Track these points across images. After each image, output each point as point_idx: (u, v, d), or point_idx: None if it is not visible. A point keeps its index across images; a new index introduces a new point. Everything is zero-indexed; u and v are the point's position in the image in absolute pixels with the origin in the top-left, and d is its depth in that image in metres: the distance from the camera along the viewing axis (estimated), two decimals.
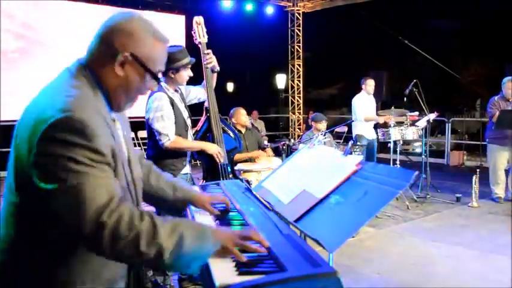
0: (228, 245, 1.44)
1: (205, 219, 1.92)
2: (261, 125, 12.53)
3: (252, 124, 6.54)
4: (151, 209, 2.15)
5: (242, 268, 1.39)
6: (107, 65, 1.49)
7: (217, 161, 3.78)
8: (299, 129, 14.85)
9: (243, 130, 6.16)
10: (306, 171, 2.24)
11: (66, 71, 1.51)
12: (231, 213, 2.01)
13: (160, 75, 1.62)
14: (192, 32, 3.91)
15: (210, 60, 3.84)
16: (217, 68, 3.90)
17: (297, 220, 1.86)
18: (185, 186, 2.01)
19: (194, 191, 1.99)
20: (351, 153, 2.15)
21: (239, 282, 1.29)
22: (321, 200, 1.90)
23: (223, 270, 1.38)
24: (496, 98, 7.10)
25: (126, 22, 1.51)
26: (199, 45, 3.87)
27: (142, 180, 1.76)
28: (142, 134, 9.65)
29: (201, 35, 3.86)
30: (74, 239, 1.37)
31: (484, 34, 19.00)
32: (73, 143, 1.29)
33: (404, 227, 6.01)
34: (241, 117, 6.15)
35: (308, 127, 7.79)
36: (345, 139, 11.54)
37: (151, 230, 1.34)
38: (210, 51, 3.86)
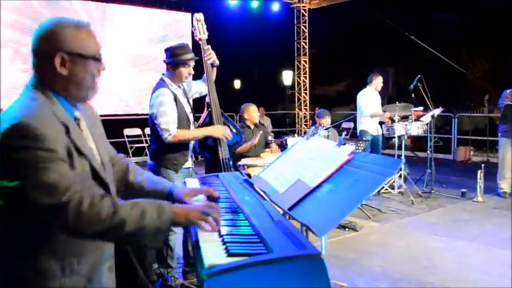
0: (191, 217, 1.61)
1: None
2: (267, 121, 12.59)
3: (259, 121, 6.57)
4: None
5: (231, 250, 1.45)
6: (50, 71, 1.61)
7: (220, 153, 3.83)
8: (305, 125, 14.88)
9: (253, 126, 6.19)
10: (301, 162, 2.29)
11: (25, 87, 1.65)
12: (225, 201, 2.07)
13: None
14: (193, 29, 3.97)
15: (210, 56, 3.89)
16: (217, 63, 3.96)
17: (291, 208, 1.91)
18: (164, 180, 2.10)
19: (175, 185, 2.06)
20: (344, 144, 2.20)
21: (227, 262, 1.35)
22: (314, 189, 1.94)
23: (213, 252, 1.46)
24: (508, 91, 7.08)
25: (45, 29, 1.62)
26: (200, 42, 3.92)
27: (121, 180, 1.96)
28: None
29: (201, 32, 3.91)
30: (46, 226, 1.52)
31: (491, 29, 18.88)
32: (24, 146, 1.45)
33: (409, 221, 6.04)
34: (252, 113, 6.18)
35: (314, 123, 7.84)
36: (352, 135, 11.56)
37: (112, 207, 1.50)
38: (209, 46, 3.91)
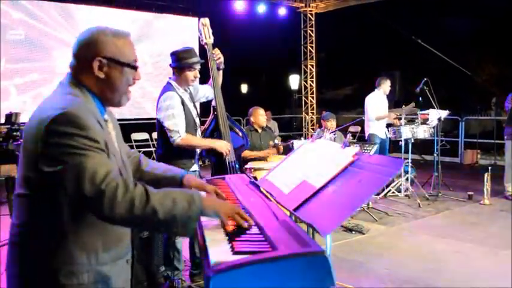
0: (220, 211, 1.73)
1: None
2: (274, 125, 12.60)
3: (266, 124, 6.60)
4: None
5: (236, 248, 1.48)
6: (89, 74, 1.73)
7: (225, 156, 3.86)
8: (312, 129, 14.88)
9: (260, 130, 6.21)
10: (306, 164, 2.32)
11: (60, 84, 1.77)
12: (231, 202, 2.11)
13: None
14: (199, 34, 4.02)
15: (219, 56, 3.95)
16: (222, 66, 4.02)
17: (296, 208, 1.94)
18: (175, 168, 2.21)
19: (185, 172, 2.17)
20: (348, 146, 2.23)
21: (233, 260, 1.39)
22: (320, 190, 1.98)
23: (219, 250, 1.50)
24: None
25: (87, 35, 1.74)
26: (206, 46, 3.97)
27: (135, 170, 2.08)
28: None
29: (207, 36, 3.96)
30: (79, 210, 1.61)
31: (499, 32, 18.83)
32: (71, 133, 1.54)
33: (415, 224, 6.04)
34: (259, 117, 6.19)
35: (321, 127, 7.87)
36: (359, 138, 11.57)
37: (144, 194, 1.57)
38: (217, 49, 3.96)
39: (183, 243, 3.93)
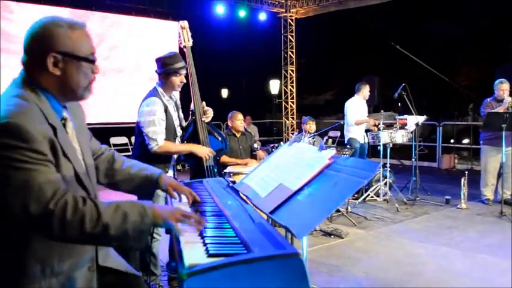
0: (170, 219, 1.64)
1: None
2: (254, 130, 12.62)
3: (245, 129, 6.61)
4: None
5: (211, 251, 1.47)
6: (43, 71, 1.61)
7: (205, 161, 3.85)
8: (292, 134, 14.93)
9: (238, 134, 6.22)
10: (283, 167, 2.32)
11: (13, 82, 1.64)
12: (207, 205, 2.10)
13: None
14: (178, 37, 4.00)
15: (208, 115, 4.00)
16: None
17: (273, 211, 1.94)
18: (151, 167, 2.13)
19: (161, 172, 2.10)
20: (325, 149, 2.23)
21: (207, 262, 1.38)
22: (296, 192, 1.98)
23: (193, 253, 1.48)
24: (489, 99, 7.22)
25: (38, 28, 1.62)
26: (185, 49, 3.96)
27: (108, 168, 2.00)
28: None
29: (186, 39, 3.95)
30: (26, 230, 1.53)
31: (476, 39, 19.18)
32: (12, 145, 1.43)
33: (393, 228, 6.08)
34: (237, 121, 6.21)
35: (301, 132, 7.92)
36: (339, 143, 11.64)
37: (95, 211, 1.50)
38: (210, 109, 4.00)
39: (161, 248, 3.90)
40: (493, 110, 6.89)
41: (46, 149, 1.51)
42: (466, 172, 7.20)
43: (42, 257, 1.58)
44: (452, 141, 12.10)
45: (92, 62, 1.68)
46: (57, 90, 1.64)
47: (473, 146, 11.35)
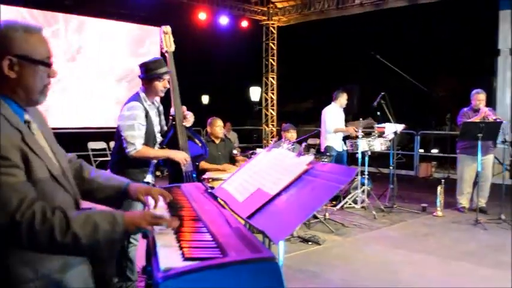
0: (142, 224, 1.60)
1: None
2: (234, 136, 12.63)
3: (225, 135, 6.62)
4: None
5: (187, 254, 1.48)
6: None
7: (182, 167, 3.84)
8: (272, 141, 14.99)
9: (217, 141, 6.23)
10: (261, 172, 2.33)
11: None
12: (184, 209, 2.10)
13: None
14: (160, 41, 4.00)
15: (189, 119, 3.99)
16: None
17: (250, 216, 1.95)
18: (118, 177, 2.11)
19: (129, 181, 2.08)
20: (303, 155, 2.25)
21: (182, 266, 1.38)
22: (273, 197, 1.99)
23: (169, 256, 1.48)
24: (465, 109, 7.36)
25: None
26: (166, 54, 3.95)
27: (76, 177, 1.92)
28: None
29: (168, 44, 3.94)
30: None
31: (453, 50, 19.51)
32: None
33: (370, 235, 6.14)
34: (216, 128, 6.21)
35: (281, 139, 7.95)
36: (317, 151, 11.69)
37: (64, 221, 1.48)
38: (191, 114, 3.98)
39: (138, 253, 3.87)
40: (469, 120, 7.01)
41: (13, 156, 1.49)
42: (443, 180, 7.31)
43: (29, 260, 1.56)
44: (436, 151, 12.26)
45: (48, 65, 1.68)
46: (13, 94, 1.63)
47: (450, 155, 11.52)
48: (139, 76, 3.78)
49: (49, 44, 1.69)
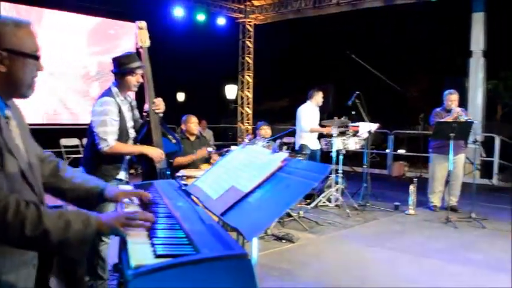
0: (115, 225, 1.61)
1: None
2: (209, 134, 12.58)
3: (201, 133, 6.58)
4: None
5: (159, 251, 1.46)
6: None
7: (156, 163, 3.80)
8: (249, 140, 14.98)
9: (192, 138, 6.20)
10: (235, 169, 2.32)
11: None
12: (157, 206, 2.08)
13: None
14: (135, 37, 3.95)
15: (159, 107, 3.87)
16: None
17: (224, 213, 1.93)
18: (96, 178, 2.11)
19: (107, 184, 2.08)
20: (277, 152, 2.25)
21: (154, 263, 1.36)
22: (247, 195, 1.98)
23: (140, 253, 1.45)
24: (438, 109, 7.48)
25: None
26: (141, 50, 3.90)
27: (51, 176, 1.96)
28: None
29: (143, 40, 3.89)
30: None
31: (427, 51, 19.82)
32: None
33: (344, 233, 6.18)
34: (191, 125, 6.18)
35: (256, 137, 7.96)
36: (292, 149, 11.72)
37: (36, 216, 1.48)
38: (159, 99, 3.89)
39: (111, 251, 3.82)
40: (442, 120, 7.11)
41: None
42: (415, 179, 7.41)
43: None
44: (403, 151, 12.40)
45: (37, 58, 1.70)
46: (2, 87, 1.64)
47: (423, 154, 11.69)
48: (111, 71, 3.73)
49: (36, 38, 1.71)
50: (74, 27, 12.00)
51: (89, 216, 1.58)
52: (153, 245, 1.54)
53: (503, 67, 17.30)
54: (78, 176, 2.03)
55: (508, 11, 15.49)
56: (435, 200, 7.54)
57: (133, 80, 3.68)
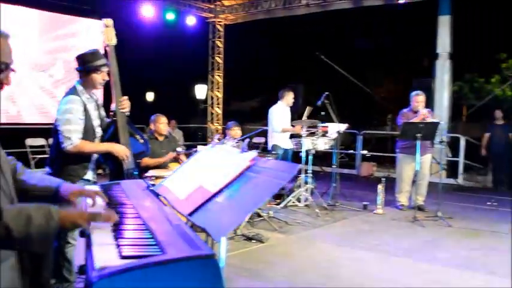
0: (78, 221, 1.60)
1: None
2: (179, 134, 12.50)
3: (170, 133, 6.53)
4: None
5: (124, 252, 1.43)
6: None
7: (123, 162, 3.74)
8: (218, 139, 14.92)
9: (161, 138, 6.15)
10: (204, 169, 2.30)
11: None
12: (123, 207, 2.04)
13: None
14: (102, 35, 3.88)
15: (124, 106, 3.81)
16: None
17: (191, 213, 1.92)
18: (52, 178, 2.09)
19: (63, 182, 2.05)
20: (246, 151, 2.24)
21: (119, 265, 1.33)
22: (215, 194, 1.96)
23: (105, 254, 1.42)
24: (405, 110, 7.60)
25: None
26: (107, 48, 3.84)
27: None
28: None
29: (109, 38, 3.83)
30: None
31: (395, 53, 20.13)
32: None
33: (314, 233, 6.22)
34: (160, 125, 6.13)
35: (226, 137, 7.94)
36: (263, 149, 11.75)
37: None
38: (125, 98, 3.82)
39: (78, 253, 3.75)
40: (409, 120, 7.23)
41: None
42: (383, 179, 7.50)
43: None
44: (365, 152, 12.52)
45: (5, 65, 1.71)
46: None
47: (391, 155, 11.87)
48: (76, 68, 3.65)
49: (11, 51, 1.74)
50: (38, 23, 11.74)
51: (51, 210, 1.56)
52: (118, 246, 1.51)
53: (468, 69, 17.70)
54: (34, 177, 2.01)
55: (473, 14, 15.90)
56: (403, 199, 7.65)
57: (99, 77, 3.61)
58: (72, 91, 3.58)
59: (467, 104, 18.35)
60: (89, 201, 2.01)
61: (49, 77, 11.83)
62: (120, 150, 3.71)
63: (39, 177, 2.02)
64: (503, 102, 16.31)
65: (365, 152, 11.86)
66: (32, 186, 1.97)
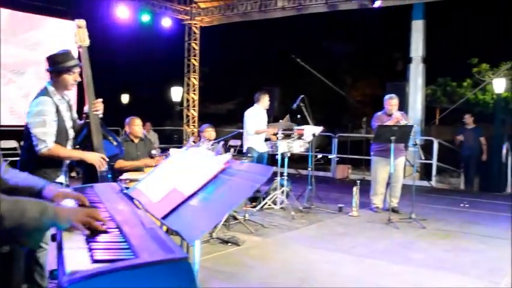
0: (74, 221, 1.62)
1: None
2: (154, 136, 12.42)
3: (145, 135, 6.48)
4: None
5: (96, 256, 1.41)
6: None
7: (98, 169, 3.69)
8: (194, 142, 14.86)
9: (136, 140, 6.11)
10: (177, 172, 2.29)
11: None
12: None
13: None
14: (74, 36, 3.83)
15: (98, 108, 3.77)
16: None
17: (165, 217, 1.90)
18: (36, 178, 2.09)
19: (47, 183, 2.06)
20: (221, 154, 2.24)
21: (91, 269, 1.31)
22: (189, 197, 1.95)
23: (76, 258, 1.40)
24: (379, 113, 7.68)
25: None
26: (80, 49, 3.79)
27: None
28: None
29: (82, 39, 3.78)
30: None
31: (370, 57, 20.38)
32: None
33: (289, 235, 6.23)
34: (135, 127, 6.08)
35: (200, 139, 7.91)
36: (239, 152, 11.75)
37: None
38: (98, 100, 3.78)
39: (50, 258, 3.68)
40: (383, 123, 7.31)
41: None
42: (358, 182, 7.57)
43: None
44: (334, 155, 12.63)
45: None
46: None
47: (366, 157, 11.99)
48: (47, 69, 3.58)
49: None
50: (9, 23, 11.53)
51: (47, 206, 1.58)
52: (90, 249, 1.49)
53: (441, 73, 18.02)
54: (17, 177, 2.01)
55: (446, 19, 16.20)
56: (377, 201, 7.73)
57: (71, 78, 3.55)
58: (44, 92, 3.51)
59: (440, 108, 18.67)
60: (71, 203, 1.98)
61: (20, 77, 11.62)
62: (94, 157, 3.65)
63: (23, 177, 2.03)
64: (475, 106, 16.66)
65: (334, 155, 11.98)
66: (14, 185, 1.96)
